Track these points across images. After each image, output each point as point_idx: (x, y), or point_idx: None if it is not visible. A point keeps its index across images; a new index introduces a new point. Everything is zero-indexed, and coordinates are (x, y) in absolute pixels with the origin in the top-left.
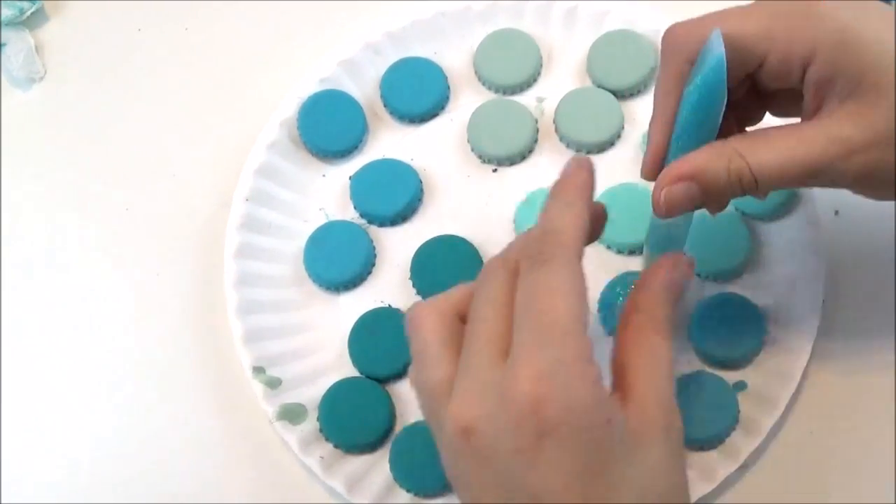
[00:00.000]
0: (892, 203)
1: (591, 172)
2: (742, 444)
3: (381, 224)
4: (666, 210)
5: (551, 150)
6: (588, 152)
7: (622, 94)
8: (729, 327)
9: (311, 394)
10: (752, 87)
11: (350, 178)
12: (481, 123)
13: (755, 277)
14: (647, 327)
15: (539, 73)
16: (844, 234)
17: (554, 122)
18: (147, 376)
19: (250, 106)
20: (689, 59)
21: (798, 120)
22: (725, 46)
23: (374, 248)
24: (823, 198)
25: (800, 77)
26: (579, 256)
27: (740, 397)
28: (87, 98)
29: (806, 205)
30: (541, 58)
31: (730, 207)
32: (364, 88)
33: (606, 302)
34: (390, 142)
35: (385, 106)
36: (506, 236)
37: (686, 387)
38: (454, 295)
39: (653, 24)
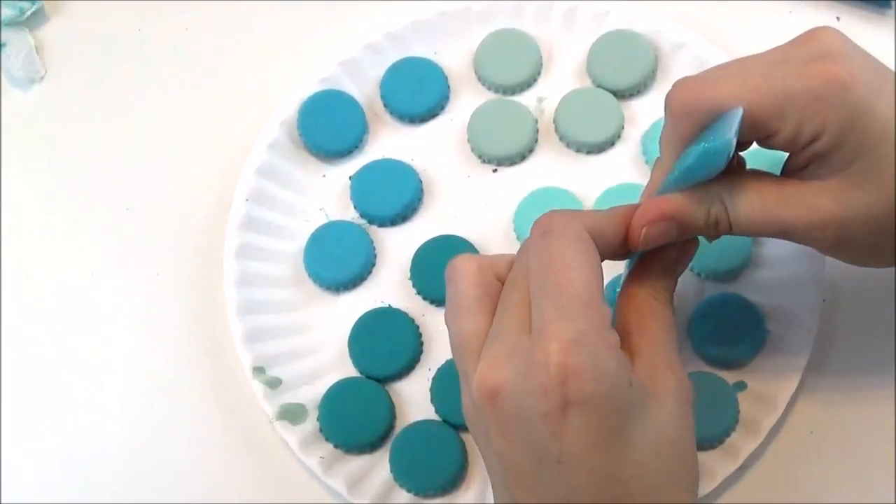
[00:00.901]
0: None
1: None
2: (742, 444)
3: (382, 224)
4: (643, 246)
5: (551, 150)
6: (588, 152)
7: (622, 94)
8: (729, 327)
9: (312, 394)
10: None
11: (350, 178)
12: (481, 123)
13: (755, 277)
14: (650, 296)
15: (539, 73)
16: None
17: (554, 122)
18: (147, 376)
19: (250, 106)
20: (698, 124)
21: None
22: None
23: (374, 248)
24: None
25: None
26: (586, 231)
27: (740, 397)
28: (87, 98)
29: None
30: (541, 58)
31: None
32: (364, 88)
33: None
34: (390, 142)
35: (385, 106)
36: (506, 236)
37: None
38: (497, 258)
39: (653, 24)
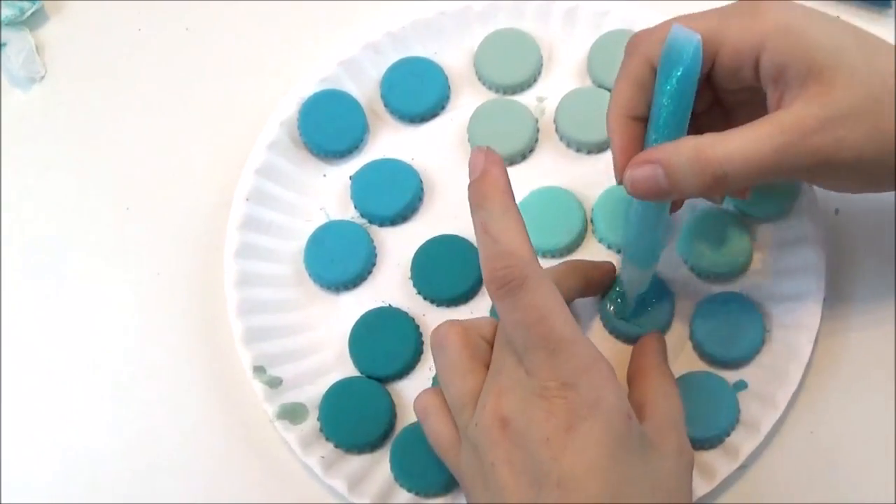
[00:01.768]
0: (892, 202)
1: (501, 165)
2: (742, 443)
3: (382, 224)
4: (632, 191)
5: (552, 149)
6: (588, 152)
7: None
8: (729, 327)
9: (312, 393)
10: (715, 101)
11: (350, 177)
12: (481, 123)
13: (755, 277)
14: (661, 380)
15: (539, 73)
16: (844, 233)
17: (554, 121)
18: (147, 376)
19: (250, 106)
20: (647, 58)
21: None
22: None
23: (374, 247)
24: (823, 197)
25: (753, 70)
26: (539, 265)
27: (740, 397)
28: (87, 98)
29: (806, 204)
30: (541, 57)
31: (730, 207)
32: (364, 88)
33: (608, 303)
34: (390, 141)
35: (385, 106)
36: None
37: (686, 386)
38: (478, 320)
39: (653, 24)
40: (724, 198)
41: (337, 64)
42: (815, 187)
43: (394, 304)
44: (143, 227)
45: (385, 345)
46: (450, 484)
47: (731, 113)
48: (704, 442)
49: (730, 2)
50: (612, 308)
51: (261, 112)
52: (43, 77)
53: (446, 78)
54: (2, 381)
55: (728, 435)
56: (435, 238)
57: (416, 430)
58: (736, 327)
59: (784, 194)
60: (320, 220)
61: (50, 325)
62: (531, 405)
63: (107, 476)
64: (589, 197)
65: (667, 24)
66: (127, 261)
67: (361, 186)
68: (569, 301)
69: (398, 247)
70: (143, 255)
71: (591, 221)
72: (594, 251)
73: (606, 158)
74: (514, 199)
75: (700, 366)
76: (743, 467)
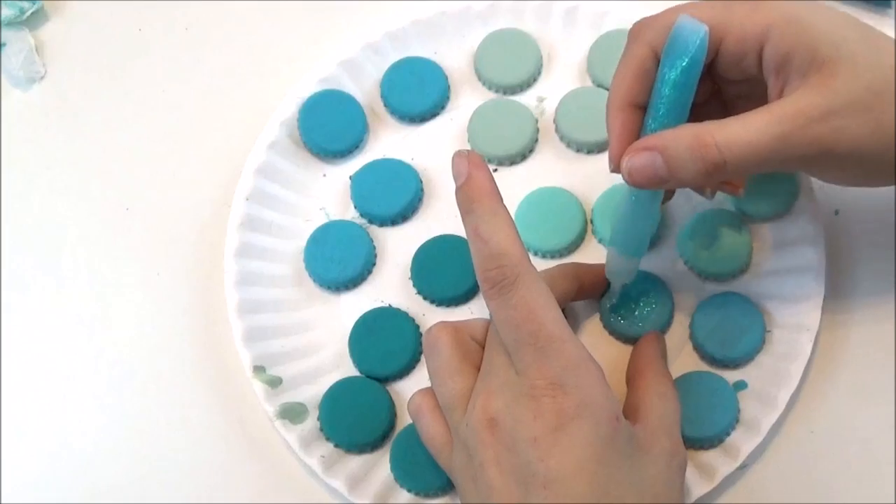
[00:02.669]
0: (892, 202)
1: (485, 167)
2: (742, 443)
3: (382, 224)
4: (630, 179)
5: (552, 149)
6: (588, 152)
7: None
8: (729, 327)
9: (312, 393)
10: (714, 94)
11: (350, 177)
12: (481, 123)
13: (755, 277)
14: (658, 381)
15: (539, 73)
16: (844, 234)
17: (554, 121)
18: (147, 376)
19: (250, 106)
20: (651, 46)
21: None
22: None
23: (374, 247)
24: (823, 197)
25: (756, 60)
26: (531, 265)
27: (740, 396)
28: (87, 98)
29: (806, 204)
30: (541, 57)
31: (730, 207)
32: (364, 88)
33: (607, 302)
34: (390, 141)
35: (385, 106)
36: None
37: (686, 386)
38: (469, 321)
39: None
40: (715, 193)
41: (337, 64)
42: (815, 188)
43: (394, 304)
44: (143, 227)
45: (385, 345)
46: (449, 484)
47: (729, 105)
48: (704, 441)
49: None
50: (612, 316)
51: (261, 112)
52: (43, 77)
53: (446, 78)
54: (2, 380)
55: (728, 435)
56: (435, 238)
57: (415, 430)
58: (736, 327)
59: (784, 194)
60: (320, 220)
61: (50, 324)
62: (520, 405)
63: (107, 475)
64: (589, 197)
65: (670, 12)
66: (127, 261)
67: (361, 186)
68: (562, 304)
69: (398, 247)
70: (143, 255)
71: (591, 221)
72: (594, 251)
73: (606, 159)
74: (501, 201)
75: (700, 366)
76: (743, 467)
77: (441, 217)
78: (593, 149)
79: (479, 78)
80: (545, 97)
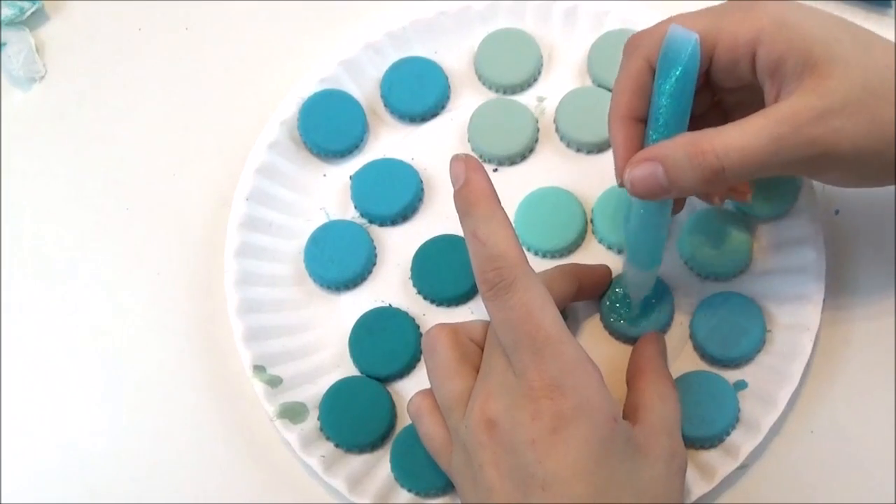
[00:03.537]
0: (892, 202)
1: (482, 170)
2: (742, 442)
3: (382, 223)
4: (633, 191)
5: (552, 149)
6: (588, 152)
7: None
8: (729, 326)
9: (312, 393)
10: (713, 104)
11: (350, 177)
12: (482, 123)
13: (755, 277)
14: (659, 381)
15: (539, 73)
16: (845, 234)
17: (554, 121)
18: (147, 375)
19: (250, 106)
20: (646, 59)
21: None
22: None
23: (374, 247)
24: (824, 197)
25: (750, 66)
26: (529, 266)
27: (740, 396)
28: (88, 98)
29: (806, 204)
30: (541, 57)
31: (730, 207)
32: (364, 88)
33: (607, 302)
34: (391, 141)
35: (385, 105)
36: None
37: (686, 386)
38: (467, 323)
39: (653, 24)
40: (724, 200)
41: (337, 64)
42: (816, 187)
43: (394, 304)
44: (143, 227)
45: (385, 344)
46: (449, 484)
47: (730, 115)
48: (704, 441)
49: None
50: (612, 316)
51: (261, 112)
52: (43, 77)
53: (446, 78)
54: (2, 380)
55: (728, 434)
56: (435, 238)
57: (415, 430)
58: (736, 327)
59: (784, 194)
60: (320, 220)
61: (50, 324)
62: (518, 407)
63: (106, 475)
64: (589, 197)
65: (664, 24)
66: (127, 261)
67: (361, 186)
68: (561, 305)
69: (398, 247)
70: (143, 255)
71: (591, 221)
72: (594, 251)
73: (606, 158)
74: (499, 203)
75: (700, 365)
76: (743, 467)
77: (441, 217)
78: (593, 149)
79: (480, 78)
80: (545, 97)
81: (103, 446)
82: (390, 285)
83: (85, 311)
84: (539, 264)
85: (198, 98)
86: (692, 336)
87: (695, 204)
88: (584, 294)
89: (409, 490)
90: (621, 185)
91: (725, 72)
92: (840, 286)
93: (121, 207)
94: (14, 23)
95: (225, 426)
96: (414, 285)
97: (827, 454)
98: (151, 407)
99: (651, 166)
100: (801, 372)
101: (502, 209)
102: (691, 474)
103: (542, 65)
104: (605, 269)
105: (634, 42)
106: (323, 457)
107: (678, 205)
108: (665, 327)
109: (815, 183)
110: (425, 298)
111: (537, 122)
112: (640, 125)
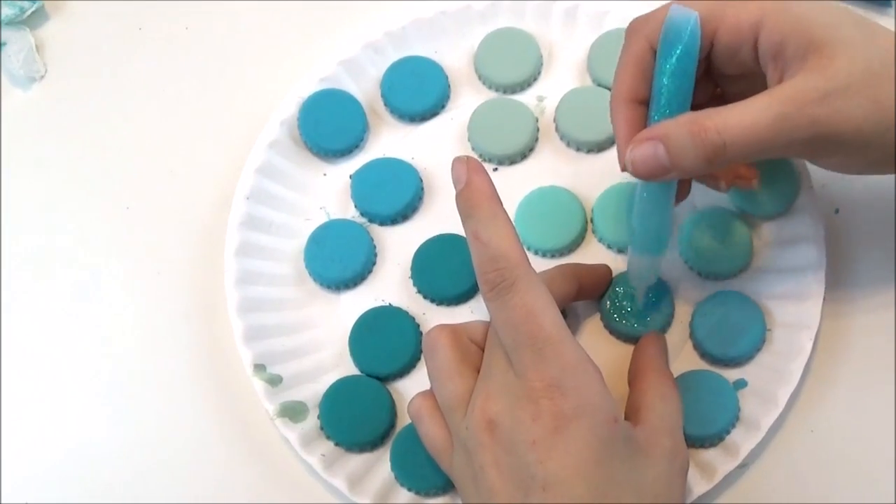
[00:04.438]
0: (892, 201)
1: (484, 172)
2: (742, 441)
3: (382, 223)
4: (634, 171)
5: (552, 149)
6: (588, 151)
7: None
8: (729, 325)
9: (312, 392)
10: (715, 95)
11: (351, 176)
12: (482, 122)
13: (755, 276)
14: (661, 382)
15: (539, 72)
16: (845, 232)
17: (554, 120)
18: (147, 374)
19: (250, 105)
20: (648, 41)
21: None
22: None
23: (374, 246)
24: (824, 195)
25: (752, 50)
26: (530, 267)
27: (740, 395)
28: (88, 97)
29: (806, 203)
30: (541, 57)
31: (730, 206)
32: (364, 87)
33: (607, 301)
34: (391, 141)
35: (385, 105)
36: None
37: (686, 385)
38: (468, 324)
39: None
40: (730, 185)
41: (337, 63)
42: (816, 186)
43: (394, 303)
44: (143, 227)
45: (385, 344)
46: (449, 483)
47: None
48: (704, 440)
49: None
50: (613, 315)
51: (261, 111)
52: (43, 77)
53: (446, 77)
54: (2, 380)
55: (728, 433)
56: (435, 237)
57: (416, 430)
58: (736, 326)
59: (784, 192)
60: (320, 219)
61: (50, 324)
62: (518, 407)
63: (107, 475)
64: (589, 197)
65: (665, 8)
66: (127, 260)
67: (362, 185)
68: (562, 305)
69: (398, 246)
70: (144, 254)
71: (591, 221)
72: (594, 251)
73: (606, 158)
74: (500, 204)
75: (700, 364)
76: (743, 466)
77: (441, 216)
78: (593, 148)
79: (480, 77)
80: (545, 96)
81: (103, 446)
82: (390, 284)
83: (85, 311)
84: (539, 264)
85: (198, 97)
86: (692, 335)
87: (695, 203)
88: (585, 294)
89: (409, 489)
90: (624, 169)
91: (727, 57)
92: (840, 285)
93: (121, 206)
94: (14, 22)
95: (225, 425)
96: (414, 284)
97: (827, 453)
98: (151, 406)
99: (652, 145)
100: (801, 371)
101: (504, 210)
102: (691, 473)
103: (542, 64)
104: (606, 269)
105: (635, 25)
106: (323, 456)
107: (683, 191)
108: (665, 326)
109: (816, 181)
110: (425, 298)
111: (537, 121)
112: (641, 108)
